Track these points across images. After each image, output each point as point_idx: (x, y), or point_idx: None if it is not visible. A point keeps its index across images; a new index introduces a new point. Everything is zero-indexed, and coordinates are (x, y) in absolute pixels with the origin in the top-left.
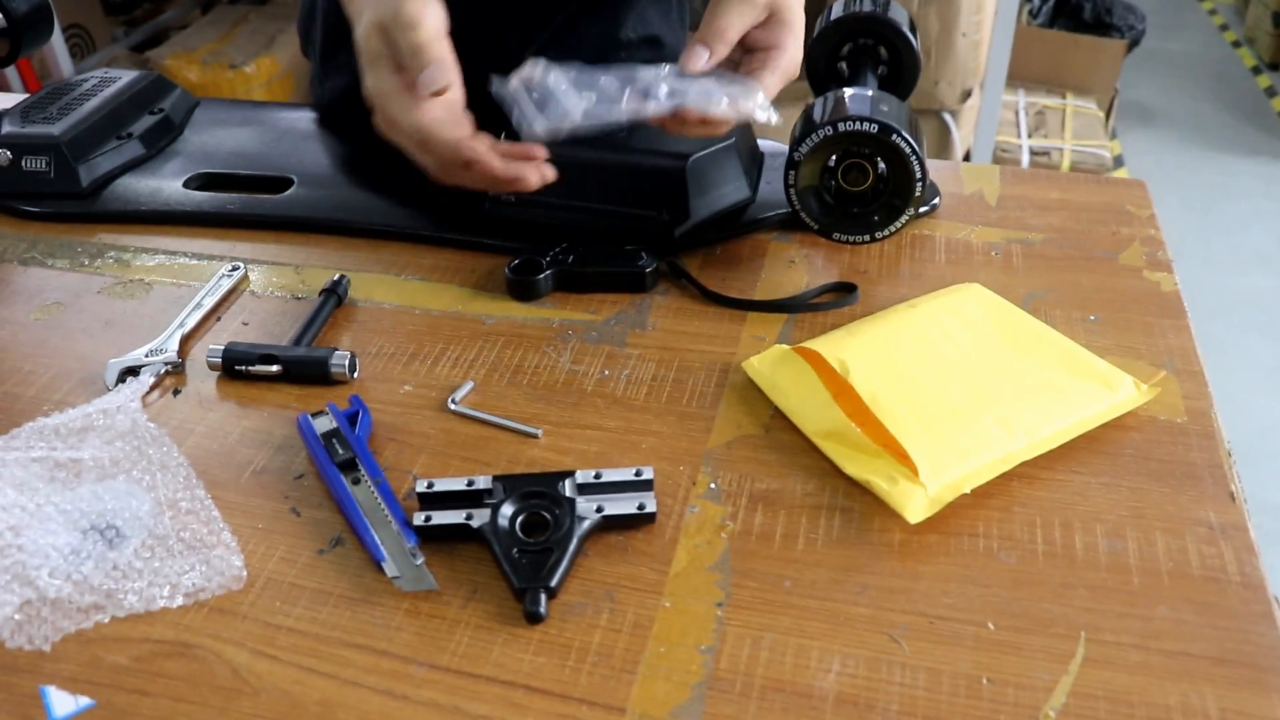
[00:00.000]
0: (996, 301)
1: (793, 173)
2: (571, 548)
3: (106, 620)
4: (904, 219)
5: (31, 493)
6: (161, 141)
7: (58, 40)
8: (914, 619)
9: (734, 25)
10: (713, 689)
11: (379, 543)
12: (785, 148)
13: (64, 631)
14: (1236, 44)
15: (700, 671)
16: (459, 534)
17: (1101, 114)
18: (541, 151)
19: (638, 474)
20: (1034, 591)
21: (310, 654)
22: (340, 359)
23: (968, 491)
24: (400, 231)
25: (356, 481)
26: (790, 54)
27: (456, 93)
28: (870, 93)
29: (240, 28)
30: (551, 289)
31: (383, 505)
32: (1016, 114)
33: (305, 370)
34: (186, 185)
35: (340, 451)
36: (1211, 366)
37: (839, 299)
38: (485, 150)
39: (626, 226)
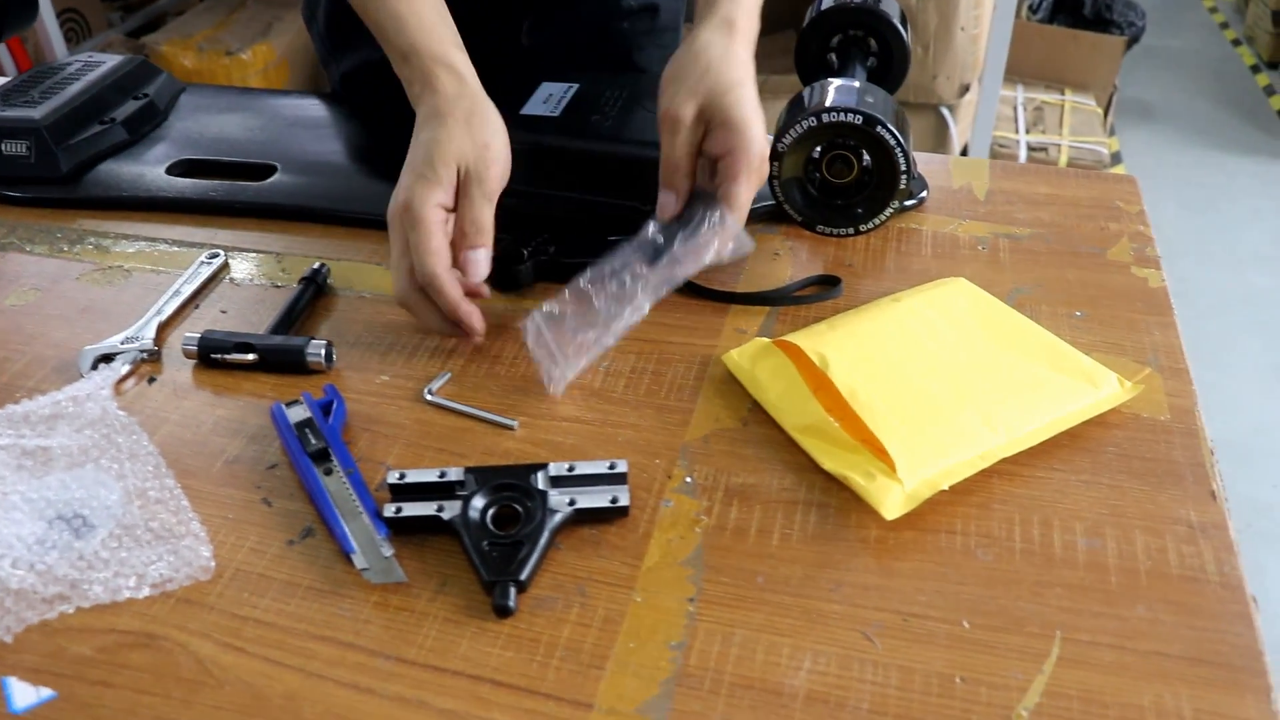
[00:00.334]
0: (981, 296)
1: (776, 164)
2: (543, 541)
3: (71, 611)
4: (888, 212)
5: None
6: (145, 127)
7: (52, 25)
8: (888, 616)
9: (678, 153)
10: (681, 685)
11: (349, 534)
12: (770, 139)
13: (27, 622)
14: (1236, 42)
15: (669, 668)
16: (430, 526)
17: (1100, 110)
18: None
19: (611, 467)
20: (1010, 590)
21: (277, 646)
22: (316, 348)
23: (946, 488)
24: (383, 220)
25: (329, 472)
26: (749, 152)
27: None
28: (856, 84)
29: (237, 14)
30: (533, 279)
31: (354, 496)
32: (1015, 109)
33: (281, 359)
34: (169, 171)
35: (313, 441)
36: (1206, 365)
37: (822, 292)
38: (461, 299)
39: (609, 216)
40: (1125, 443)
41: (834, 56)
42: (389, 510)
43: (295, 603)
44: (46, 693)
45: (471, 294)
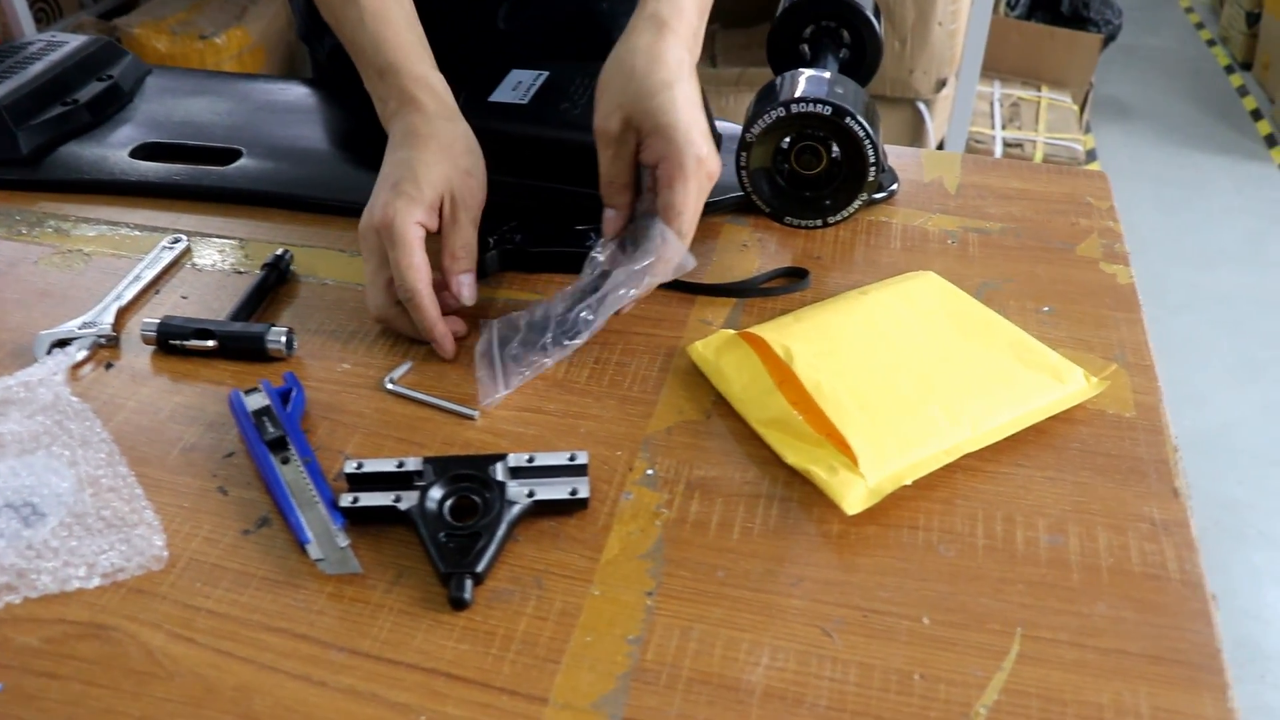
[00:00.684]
0: (950, 290)
1: (745, 154)
2: (500, 533)
3: (18, 601)
4: (857, 204)
5: None
6: (109, 109)
7: (21, 6)
8: (848, 612)
9: (613, 169)
10: (638, 680)
11: (304, 524)
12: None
13: None
14: (1211, 42)
15: (626, 662)
16: (387, 516)
17: (1076, 108)
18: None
19: (572, 459)
20: (972, 586)
21: (229, 637)
22: (277, 335)
23: (909, 483)
24: (347, 206)
25: (286, 461)
26: (682, 154)
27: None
28: (827, 75)
29: None
30: (498, 268)
31: (310, 486)
32: (991, 105)
33: (241, 346)
34: (133, 155)
35: (270, 430)
36: (1175, 361)
37: (790, 284)
38: (439, 318)
39: (576, 206)
40: (1090, 439)
41: (806, 47)
42: (345, 500)
43: (249, 593)
44: None
45: (450, 312)
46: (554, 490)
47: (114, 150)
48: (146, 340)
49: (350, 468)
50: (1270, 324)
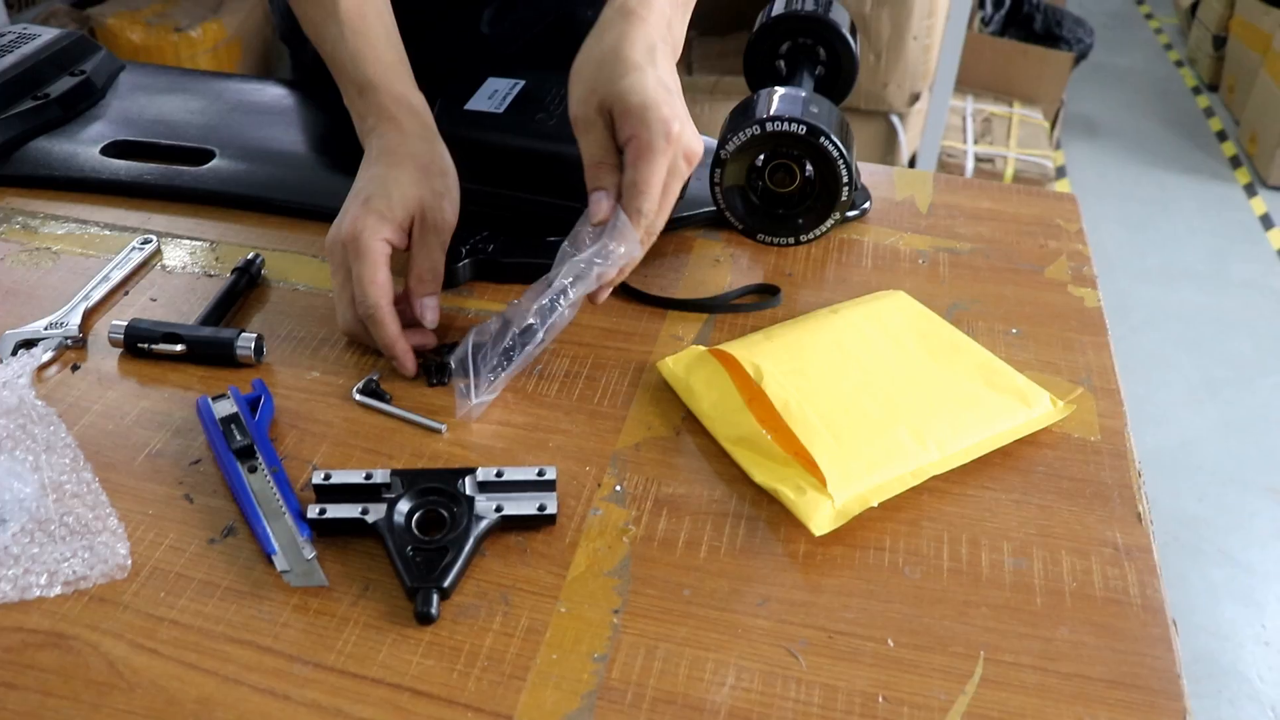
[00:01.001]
0: (919, 310)
1: (719, 170)
2: (468, 547)
3: None
4: (830, 223)
5: None
6: (81, 105)
7: None
8: (813, 633)
9: (595, 152)
10: (603, 699)
11: (270, 535)
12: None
13: None
14: (1179, 63)
15: (591, 680)
16: (354, 529)
17: (1047, 124)
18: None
19: (540, 474)
20: (936, 609)
21: (192, 648)
22: (246, 341)
23: (875, 505)
24: (321, 210)
25: (253, 469)
26: (649, 131)
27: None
28: (802, 94)
29: None
30: (470, 278)
31: (277, 495)
32: (964, 120)
33: (210, 351)
34: (104, 152)
35: (238, 438)
36: (1137, 379)
37: (761, 301)
38: (399, 335)
39: (550, 217)
40: (1055, 462)
41: (782, 63)
42: (313, 511)
43: (213, 603)
44: None
45: (413, 330)
46: (522, 505)
47: (85, 147)
48: (114, 342)
49: (318, 479)
50: (1230, 343)
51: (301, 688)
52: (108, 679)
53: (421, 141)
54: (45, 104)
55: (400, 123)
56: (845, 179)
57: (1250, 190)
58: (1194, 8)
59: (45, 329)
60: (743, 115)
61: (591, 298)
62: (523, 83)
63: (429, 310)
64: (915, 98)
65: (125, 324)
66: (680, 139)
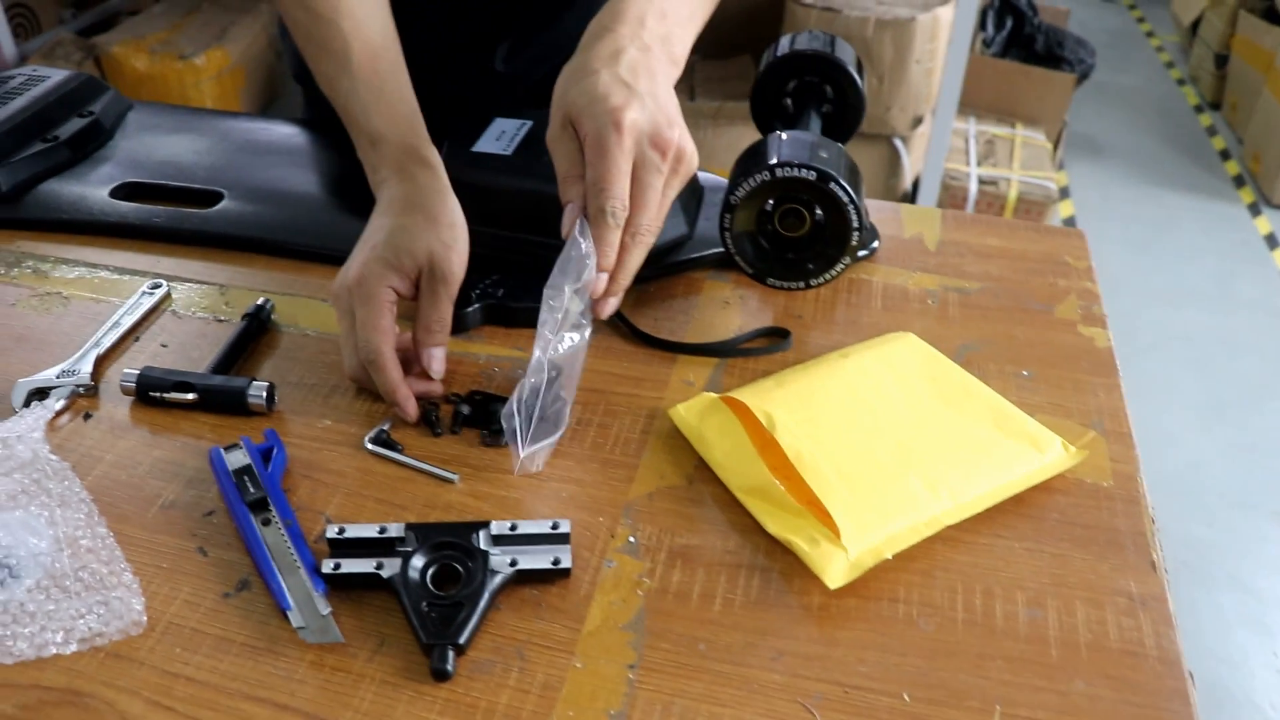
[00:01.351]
0: (929, 353)
1: (729, 216)
2: (483, 603)
3: None
4: (840, 267)
5: None
6: (90, 146)
7: (0, 21)
8: (829, 688)
9: (563, 164)
10: None
11: (285, 590)
12: (725, 181)
13: None
14: (1181, 82)
15: None
16: (369, 583)
17: (1050, 145)
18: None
19: (554, 527)
20: (951, 662)
21: (208, 706)
22: (258, 390)
23: (889, 557)
24: (330, 253)
25: (267, 522)
26: (596, 122)
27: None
28: (811, 138)
29: (192, 17)
30: (480, 322)
31: (292, 550)
32: (966, 142)
33: (222, 400)
34: (113, 194)
35: (251, 490)
36: (1143, 401)
37: (771, 345)
38: (400, 381)
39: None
40: (1068, 509)
41: (790, 101)
42: (327, 566)
43: (229, 660)
44: None
45: (419, 378)
46: (536, 559)
47: (94, 189)
48: (126, 391)
49: (332, 533)
50: (1237, 364)
51: None
52: None
53: (432, 194)
54: (55, 146)
55: (413, 175)
56: (855, 223)
57: (1254, 209)
58: (1195, 26)
59: (58, 377)
60: (752, 160)
61: (595, 312)
62: (530, 123)
63: (435, 360)
64: (918, 121)
65: (137, 373)
66: (636, 127)
